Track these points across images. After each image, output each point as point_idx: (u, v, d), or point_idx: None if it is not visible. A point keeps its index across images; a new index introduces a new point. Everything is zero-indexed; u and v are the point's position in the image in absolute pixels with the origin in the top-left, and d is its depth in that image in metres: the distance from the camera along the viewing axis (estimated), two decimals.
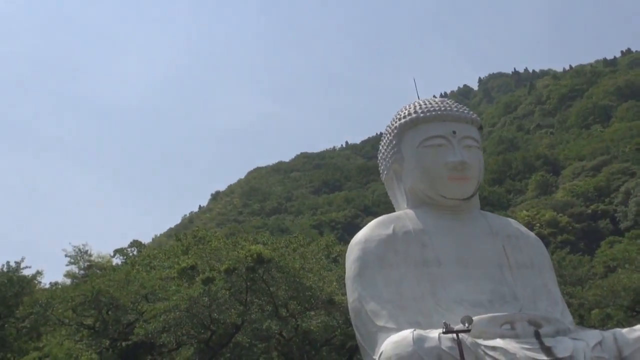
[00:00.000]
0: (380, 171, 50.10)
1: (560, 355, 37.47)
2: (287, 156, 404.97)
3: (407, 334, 35.73)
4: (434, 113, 45.10)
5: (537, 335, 39.30)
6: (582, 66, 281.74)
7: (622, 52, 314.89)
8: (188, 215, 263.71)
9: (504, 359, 35.95)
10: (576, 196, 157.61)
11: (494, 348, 36.88)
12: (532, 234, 49.03)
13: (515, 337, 38.83)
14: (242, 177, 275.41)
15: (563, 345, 38.46)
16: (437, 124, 44.68)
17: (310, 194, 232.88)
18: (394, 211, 49.83)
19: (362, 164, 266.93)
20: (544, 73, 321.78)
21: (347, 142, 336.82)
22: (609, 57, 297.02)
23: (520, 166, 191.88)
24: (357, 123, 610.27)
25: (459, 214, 45.16)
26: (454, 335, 33.14)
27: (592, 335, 40.51)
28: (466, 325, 33.49)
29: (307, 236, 65.97)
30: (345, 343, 49.79)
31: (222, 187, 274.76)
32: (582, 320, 51.64)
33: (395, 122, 46.63)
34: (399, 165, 45.53)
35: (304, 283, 46.34)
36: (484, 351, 36.29)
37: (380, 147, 48.75)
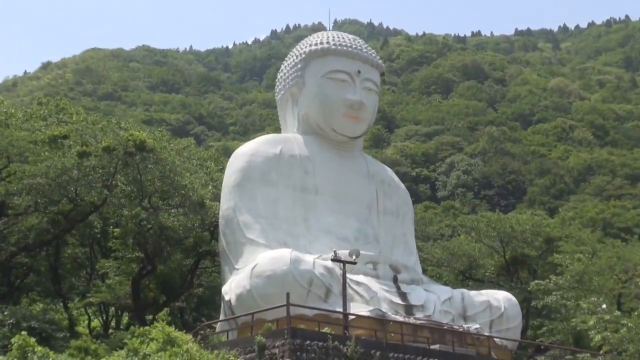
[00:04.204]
0: (277, 91, 50.24)
1: (413, 303, 40.25)
2: (128, 45, 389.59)
3: (285, 252, 37.31)
4: (345, 48, 45.96)
5: (395, 280, 41.88)
6: (434, 36, 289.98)
7: (472, 32, 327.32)
8: (11, 77, 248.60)
9: (366, 295, 38.21)
10: (404, 157, 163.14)
11: (358, 283, 39.04)
12: (402, 185, 51.39)
13: (377, 277, 41.16)
14: (78, 54, 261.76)
15: (417, 294, 41.30)
16: (345, 60, 45.63)
17: (147, 89, 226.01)
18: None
19: (204, 72, 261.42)
20: (397, 32, 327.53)
21: (191, 47, 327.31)
22: (460, 34, 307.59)
23: None
24: (205, 31, 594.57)
25: (343, 150, 46.66)
26: (340, 264, 34.37)
27: (443, 291, 43.77)
28: (354, 258, 34.97)
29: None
30: (197, 246, 50.06)
31: (54, 59, 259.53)
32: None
33: (305, 47, 46.95)
34: (298, 89, 46.05)
35: (179, 181, 45.94)
36: (349, 284, 38.27)
37: (282, 68, 48.85)
